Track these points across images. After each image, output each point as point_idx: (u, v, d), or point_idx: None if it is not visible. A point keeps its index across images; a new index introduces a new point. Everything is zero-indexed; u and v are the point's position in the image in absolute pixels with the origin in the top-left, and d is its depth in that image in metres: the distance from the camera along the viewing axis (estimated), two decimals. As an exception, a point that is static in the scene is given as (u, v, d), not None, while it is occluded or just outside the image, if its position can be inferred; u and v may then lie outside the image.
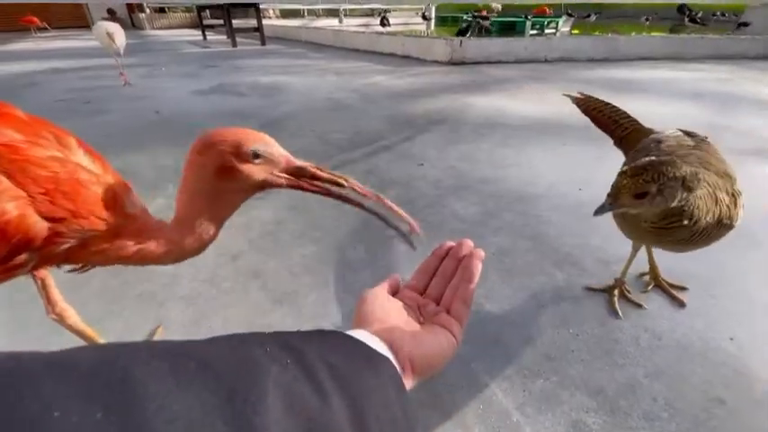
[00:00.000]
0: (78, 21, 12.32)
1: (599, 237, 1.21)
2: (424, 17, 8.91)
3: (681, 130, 0.91)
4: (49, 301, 0.66)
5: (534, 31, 7.44)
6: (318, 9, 11.92)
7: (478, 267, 0.38)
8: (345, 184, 0.49)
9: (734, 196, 0.75)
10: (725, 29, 6.89)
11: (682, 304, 0.95)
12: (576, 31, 8.23)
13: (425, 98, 3.09)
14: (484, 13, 8.06)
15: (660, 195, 0.61)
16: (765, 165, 1.76)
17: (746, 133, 2.17)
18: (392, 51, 5.42)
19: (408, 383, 0.30)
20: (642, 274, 1.05)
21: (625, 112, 1.03)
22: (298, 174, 0.50)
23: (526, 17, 7.62)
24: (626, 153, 0.98)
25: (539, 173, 1.69)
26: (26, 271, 0.49)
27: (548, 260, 1.11)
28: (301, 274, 1.09)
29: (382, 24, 8.31)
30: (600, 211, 0.64)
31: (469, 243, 0.40)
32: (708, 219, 0.68)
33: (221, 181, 0.47)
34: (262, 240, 1.24)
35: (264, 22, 7.70)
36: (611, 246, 1.17)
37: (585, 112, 1.07)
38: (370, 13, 12.71)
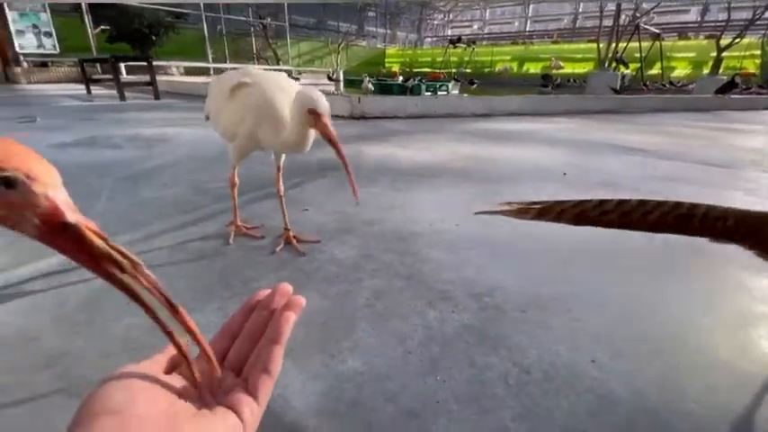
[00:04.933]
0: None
1: (472, 269, 1.19)
2: (330, 78, 9.41)
3: None
4: None
5: (429, 93, 8.30)
6: (227, 68, 11.90)
7: (290, 322, 0.30)
8: (129, 269, 0.32)
9: None
10: (578, 91, 8.46)
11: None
12: (465, 94, 9.38)
13: (322, 148, 3.07)
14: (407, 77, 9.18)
15: None
16: (614, 194, 2.02)
17: (597, 170, 2.52)
18: (295, 106, 5.50)
19: None
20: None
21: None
22: (60, 229, 0.32)
23: (421, 81, 8.52)
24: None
25: (421, 213, 1.70)
26: None
27: (421, 299, 1.04)
28: (117, 354, 0.84)
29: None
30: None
31: (287, 289, 0.33)
32: None
33: None
34: (75, 314, 0.97)
35: (166, 78, 7.38)
36: (484, 277, 1.15)
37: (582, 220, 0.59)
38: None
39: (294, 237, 1.37)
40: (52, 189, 0.32)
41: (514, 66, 14.31)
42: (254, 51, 14.01)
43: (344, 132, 3.88)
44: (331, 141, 1.03)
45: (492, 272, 1.18)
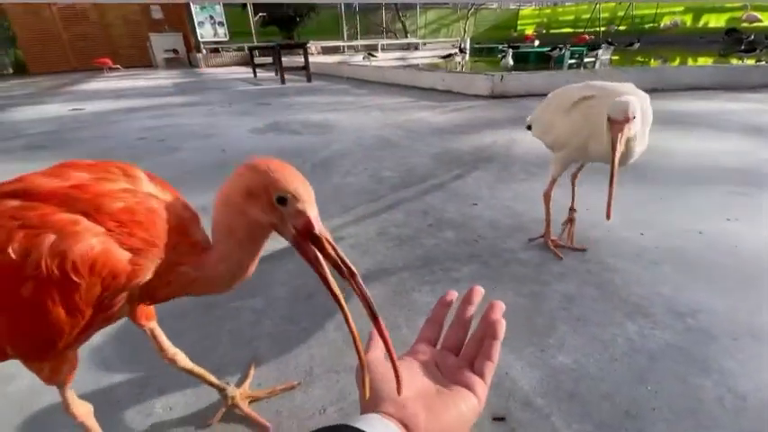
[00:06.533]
0: (143, 61, 13.75)
1: (668, 286, 1.20)
2: (461, 50, 9.19)
3: None
4: (160, 348, 0.74)
5: (573, 61, 7.42)
6: (358, 45, 12.60)
7: (503, 322, 0.37)
8: (348, 276, 0.42)
9: None
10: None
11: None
12: (615, 57, 8.13)
13: (471, 134, 3.18)
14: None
15: None
16: None
17: (819, 172, 2.07)
18: (432, 86, 5.61)
19: None
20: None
21: None
22: (306, 237, 0.45)
23: (564, 47, 7.63)
24: None
25: (595, 215, 1.70)
26: (119, 315, 0.52)
27: (617, 310, 1.12)
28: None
29: (448, 56, 8.82)
30: None
31: (480, 290, 0.40)
32: None
33: (246, 204, 0.46)
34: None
35: (310, 59, 8.23)
36: (684, 296, 1.16)
37: None
38: (406, 47, 13.25)
39: (554, 242, 1.45)
40: (309, 206, 0.44)
41: (687, 19, 11.61)
42: (384, 25, 14.40)
43: (488, 116, 3.87)
44: (612, 150, 0.98)
45: (692, 291, 1.18)
